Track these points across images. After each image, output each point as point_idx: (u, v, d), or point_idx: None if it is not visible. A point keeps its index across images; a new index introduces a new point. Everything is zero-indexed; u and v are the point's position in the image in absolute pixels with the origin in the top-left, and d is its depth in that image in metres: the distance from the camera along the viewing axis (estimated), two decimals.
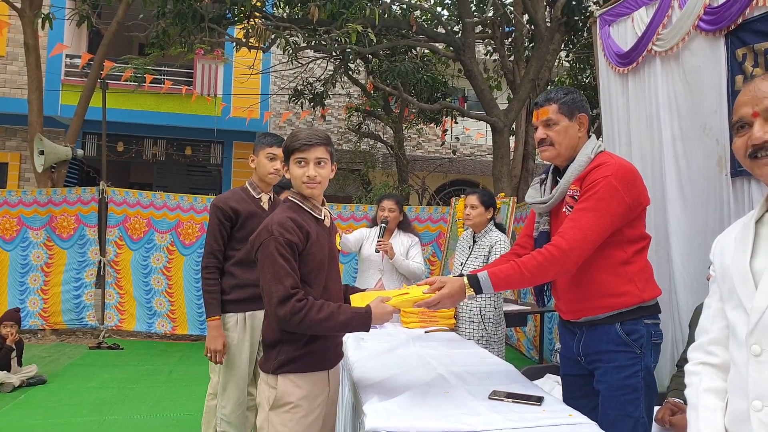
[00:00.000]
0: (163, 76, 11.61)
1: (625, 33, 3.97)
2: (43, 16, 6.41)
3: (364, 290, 2.29)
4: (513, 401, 1.77)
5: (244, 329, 2.83)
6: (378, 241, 3.90)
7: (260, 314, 2.69)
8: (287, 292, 1.78)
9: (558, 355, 3.96)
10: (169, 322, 6.93)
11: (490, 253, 3.37)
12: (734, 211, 2.93)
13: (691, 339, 2.54)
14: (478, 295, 2.15)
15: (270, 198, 2.98)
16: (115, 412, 4.25)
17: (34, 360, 5.16)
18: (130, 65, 9.33)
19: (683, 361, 2.56)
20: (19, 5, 7.06)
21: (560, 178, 2.15)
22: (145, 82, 9.36)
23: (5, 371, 4.70)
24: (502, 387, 1.89)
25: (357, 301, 2.01)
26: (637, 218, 2.04)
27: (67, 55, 11.40)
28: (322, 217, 2.01)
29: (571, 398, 2.20)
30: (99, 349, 6.30)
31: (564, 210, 2.12)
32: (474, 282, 1.99)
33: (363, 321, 1.85)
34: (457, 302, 2.09)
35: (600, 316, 2.04)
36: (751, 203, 2.82)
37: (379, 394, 1.85)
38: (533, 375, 3.13)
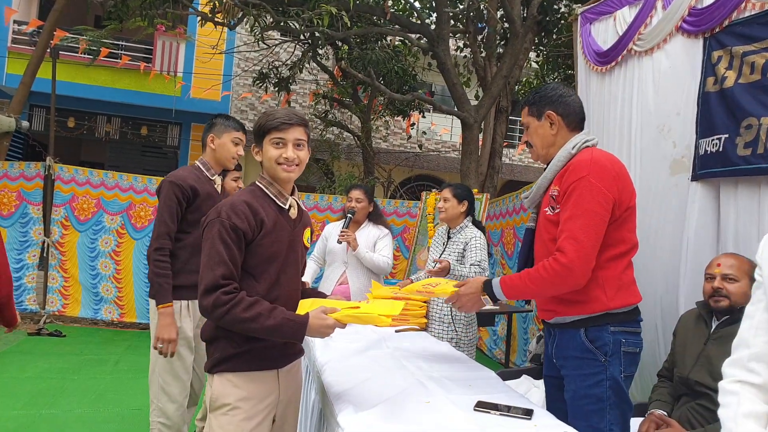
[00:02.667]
0: (120, 51, 11.07)
1: (606, 31, 3.93)
2: None
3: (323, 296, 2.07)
4: (501, 414, 1.63)
5: (188, 318, 2.62)
6: (341, 232, 3.71)
7: None
8: (215, 282, 1.64)
9: (530, 356, 3.89)
10: (116, 309, 6.56)
11: (465, 249, 3.22)
12: (690, 214, 2.91)
13: (673, 348, 2.47)
14: (495, 303, 2.05)
15: (221, 180, 2.84)
16: (53, 406, 3.93)
17: None
18: (85, 36, 8.81)
19: (665, 371, 2.49)
20: None
21: None
22: (99, 56, 8.84)
23: None
24: (487, 396, 1.74)
25: (304, 307, 1.80)
26: (620, 220, 1.93)
27: (15, 21, 10.71)
28: (287, 207, 1.84)
29: (553, 401, 2.11)
30: (39, 335, 5.89)
31: (545, 210, 2.03)
32: (488, 287, 1.97)
33: (296, 330, 1.66)
34: (474, 306, 2.06)
35: (567, 318, 1.98)
36: (716, 208, 2.81)
37: (354, 403, 1.67)
38: (508, 376, 3.02)
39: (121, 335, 6.27)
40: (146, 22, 6.81)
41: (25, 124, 7.18)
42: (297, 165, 1.79)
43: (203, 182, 2.68)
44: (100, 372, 4.81)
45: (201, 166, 2.75)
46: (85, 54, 9.17)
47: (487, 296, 2.01)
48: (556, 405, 2.08)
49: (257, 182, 1.84)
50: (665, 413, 2.30)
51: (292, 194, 1.87)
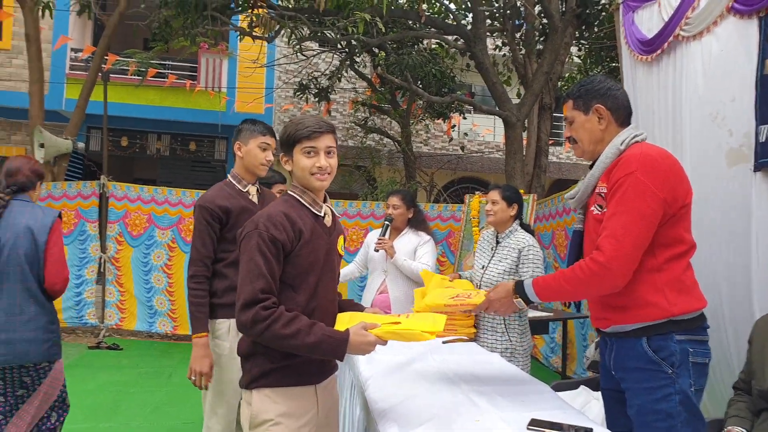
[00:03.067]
0: (167, 70, 11.41)
1: (650, 19, 3.77)
2: (42, 4, 6.20)
3: (360, 308, 2.01)
4: None
5: (236, 337, 2.55)
6: (378, 240, 3.66)
7: None
8: (254, 296, 1.60)
9: (588, 362, 3.72)
10: (170, 322, 6.74)
11: (519, 258, 3.06)
12: (757, 207, 2.72)
13: (750, 357, 2.28)
14: (528, 306, 1.97)
15: (258, 190, 2.65)
16: (111, 419, 4.05)
17: None
18: (133, 59, 9.12)
19: (741, 383, 2.30)
20: None
21: None
22: (146, 76, 9.14)
23: None
24: (541, 413, 1.66)
25: (343, 321, 1.77)
26: (675, 218, 1.81)
27: (71, 48, 11.21)
28: (322, 214, 1.81)
29: (613, 417, 1.99)
30: (98, 348, 6.11)
31: (592, 209, 1.94)
32: (519, 288, 1.91)
33: (336, 347, 1.62)
34: (508, 310, 1.99)
35: (626, 327, 1.84)
36: None
37: (399, 422, 1.62)
38: (564, 388, 2.90)
39: (176, 347, 6.43)
40: (189, 41, 6.99)
41: (80, 145, 7.47)
42: (329, 173, 1.76)
43: (235, 197, 2.54)
44: (155, 385, 4.93)
45: (232, 180, 2.61)
46: (134, 75, 9.49)
47: (520, 299, 1.93)
48: (617, 421, 1.96)
49: (290, 191, 1.81)
50: (745, 430, 2.12)
51: (324, 201, 1.84)
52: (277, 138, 2.27)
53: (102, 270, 6.66)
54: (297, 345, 1.60)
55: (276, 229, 1.65)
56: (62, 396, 2.72)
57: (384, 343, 1.68)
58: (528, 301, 1.93)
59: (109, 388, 4.78)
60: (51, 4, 6.36)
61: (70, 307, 6.65)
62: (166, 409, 4.29)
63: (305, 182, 1.77)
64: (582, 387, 2.93)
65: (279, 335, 1.58)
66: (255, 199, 2.61)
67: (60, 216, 2.72)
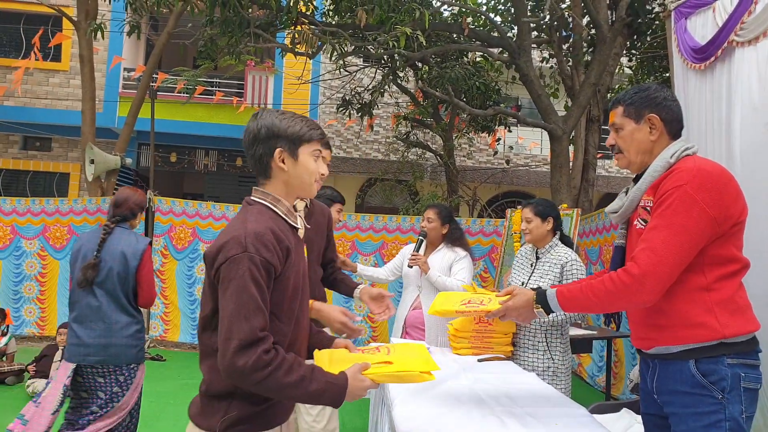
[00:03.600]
0: (214, 88, 11.73)
1: (704, 25, 3.59)
2: (95, 26, 6.46)
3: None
4: None
5: None
6: (411, 255, 3.57)
7: None
8: (254, 336, 1.35)
9: (632, 385, 3.51)
10: None
11: (562, 273, 2.90)
12: None
13: None
14: (549, 315, 1.85)
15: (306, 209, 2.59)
16: (149, 428, 4.07)
17: None
18: (182, 77, 9.42)
19: None
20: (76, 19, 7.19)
21: None
22: (194, 93, 9.43)
23: (44, 378, 4.64)
24: None
25: (323, 360, 1.57)
26: (726, 236, 1.68)
27: (124, 68, 11.67)
28: (298, 226, 1.61)
29: None
30: None
31: (635, 223, 1.82)
32: (541, 298, 1.81)
33: (338, 395, 1.43)
34: (527, 319, 1.90)
35: (672, 348, 1.71)
36: None
37: None
38: (605, 410, 2.73)
39: None
40: (235, 59, 7.16)
41: (128, 161, 7.72)
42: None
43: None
44: (194, 396, 4.94)
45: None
46: (181, 93, 9.79)
47: (541, 309, 1.83)
48: None
49: (259, 199, 1.55)
50: None
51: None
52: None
53: None
54: (298, 395, 1.40)
55: (267, 250, 1.41)
56: (140, 399, 3.07)
57: (376, 386, 1.53)
58: (549, 311, 1.83)
59: (150, 398, 4.82)
60: (103, 26, 6.62)
61: None
62: None
63: (303, 187, 1.58)
64: (624, 409, 2.75)
65: (281, 384, 1.36)
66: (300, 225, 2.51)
67: (150, 243, 3.10)
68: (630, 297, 1.66)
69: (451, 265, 3.56)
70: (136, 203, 3.09)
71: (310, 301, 1.93)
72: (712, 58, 3.40)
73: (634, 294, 1.64)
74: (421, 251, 3.59)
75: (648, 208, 1.76)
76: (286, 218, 1.56)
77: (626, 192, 1.93)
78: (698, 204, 1.63)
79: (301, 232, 1.66)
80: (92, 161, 7.05)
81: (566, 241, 3.09)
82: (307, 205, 2.55)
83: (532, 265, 3.06)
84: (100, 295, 2.90)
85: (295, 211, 1.64)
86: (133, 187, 3.26)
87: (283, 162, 1.53)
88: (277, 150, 1.53)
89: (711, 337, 1.65)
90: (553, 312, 1.82)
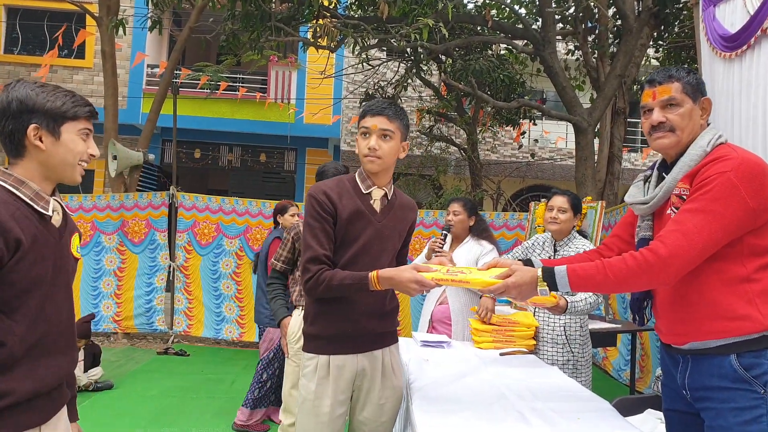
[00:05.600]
0: (238, 83, 11.78)
1: (733, 13, 3.47)
2: (116, 22, 6.52)
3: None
4: None
5: (325, 378, 1.98)
6: (435, 253, 3.50)
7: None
8: None
9: (660, 383, 3.40)
10: (237, 328, 6.85)
11: None
12: None
13: None
14: (553, 292, 1.76)
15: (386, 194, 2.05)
16: (172, 425, 4.10)
17: (104, 364, 5.14)
18: (204, 72, 9.47)
19: None
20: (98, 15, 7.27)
21: (667, 174, 1.77)
22: (218, 90, 9.47)
23: None
24: None
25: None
26: (766, 226, 1.62)
27: (148, 65, 11.78)
28: (50, 213, 1.43)
29: None
30: (166, 354, 6.28)
31: (668, 212, 1.74)
32: (548, 275, 1.70)
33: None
34: (527, 296, 1.78)
35: (710, 343, 1.64)
36: None
37: None
38: (629, 408, 2.64)
39: (240, 354, 6.52)
40: (257, 54, 7.16)
41: (151, 157, 7.79)
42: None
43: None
44: (217, 391, 4.98)
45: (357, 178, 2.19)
46: (203, 88, 9.85)
47: (546, 286, 1.71)
48: None
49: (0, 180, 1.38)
50: None
51: (52, 194, 1.46)
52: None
53: (171, 278, 6.87)
54: None
55: None
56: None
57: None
58: (554, 289, 1.73)
59: (174, 393, 4.87)
60: (125, 21, 6.67)
61: (141, 314, 6.89)
62: (224, 416, 4.30)
63: (65, 169, 1.44)
64: (648, 410, 2.65)
65: None
66: (377, 206, 2.07)
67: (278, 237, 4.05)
68: (651, 277, 1.61)
69: (477, 259, 3.50)
70: (275, 210, 4.53)
71: (375, 273, 1.80)
72: (744, 47, 3.28)
73: (656, 274, 1.59)
74: (446, 247, 3.54)
75: (684, 197, 1.69)
76: (33, 203, 1.38)
77: (645, 181, 1.86)
78: (740, 193, 1.58)
79: (56, 220, 1.45)
80: (115, 157, 7.13)
81: (583, 234, 3.11)
82: (387, 194, 2.06)
83: (550, 258, 3.02)
84: None
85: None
86: (289, 201, 4.49)
87: (40, 140, 1.39)
88: (32, 126, 1.38)
89: (754, 330, 1.59)
90: (558, 291, 1.74)
